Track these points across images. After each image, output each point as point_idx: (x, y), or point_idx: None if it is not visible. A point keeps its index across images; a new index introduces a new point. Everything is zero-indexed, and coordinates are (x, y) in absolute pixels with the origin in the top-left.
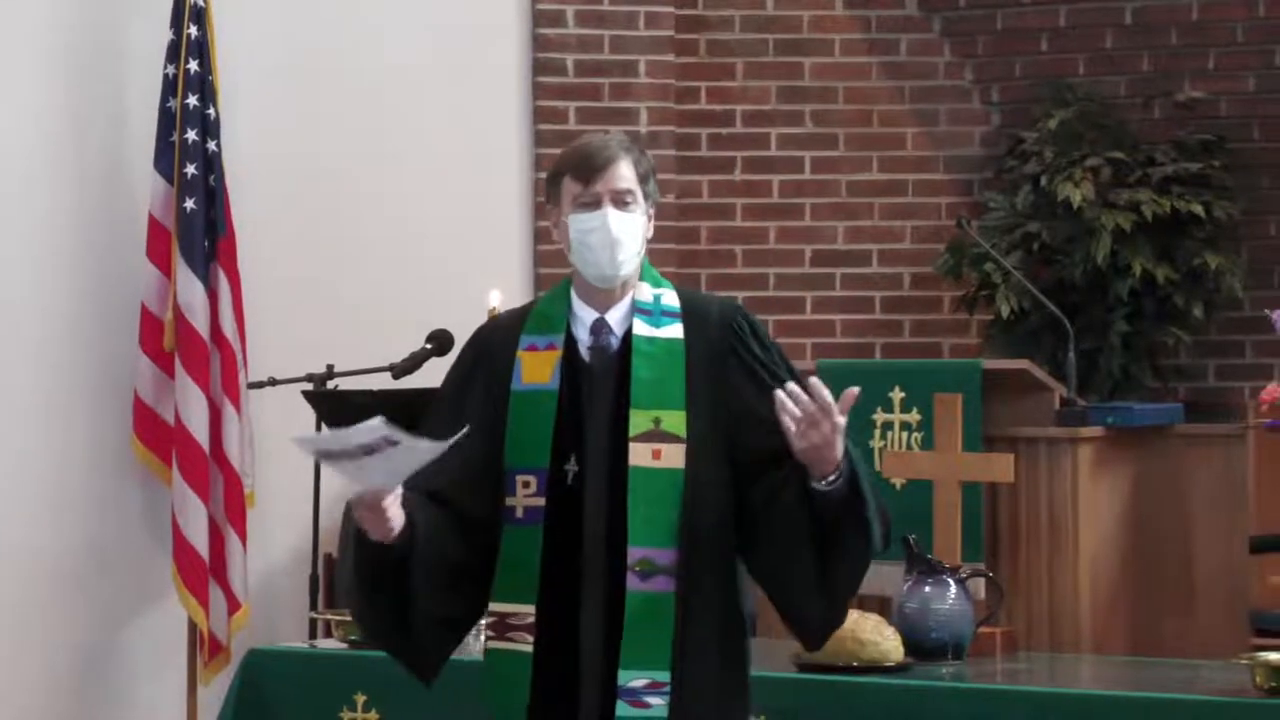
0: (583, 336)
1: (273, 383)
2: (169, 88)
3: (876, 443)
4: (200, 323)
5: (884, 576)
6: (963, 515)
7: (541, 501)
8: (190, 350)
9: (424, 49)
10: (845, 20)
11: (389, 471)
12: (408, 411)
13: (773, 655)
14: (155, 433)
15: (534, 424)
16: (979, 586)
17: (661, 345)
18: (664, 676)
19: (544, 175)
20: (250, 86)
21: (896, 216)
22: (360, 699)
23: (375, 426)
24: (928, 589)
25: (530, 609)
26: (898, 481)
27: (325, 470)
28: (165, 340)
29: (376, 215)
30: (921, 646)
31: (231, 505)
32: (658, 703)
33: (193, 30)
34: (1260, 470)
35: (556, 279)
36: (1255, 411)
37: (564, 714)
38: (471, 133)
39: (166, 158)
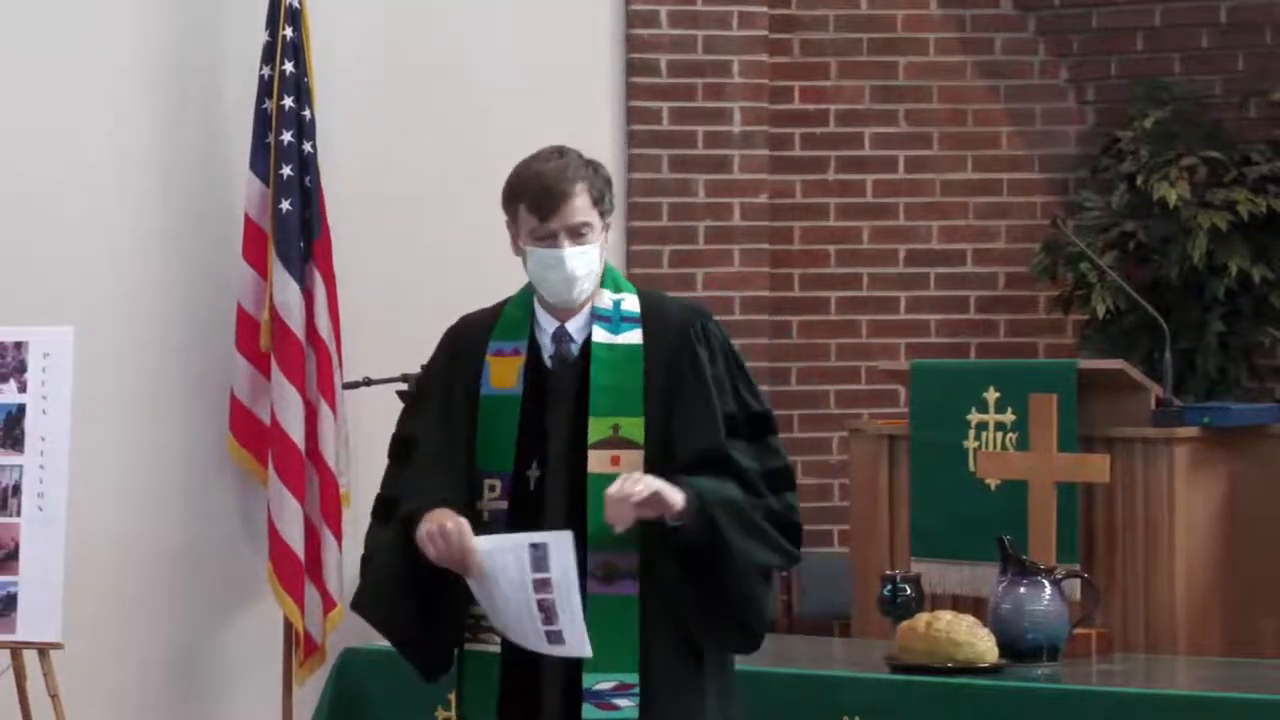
0: (546, 343)
1: (368, 383)
2: (265, 89)
3: (971, 443)
4: (296, 323)
5: (979, 577)
6: (1058, 516)
7: (505, 505)
8: (286, 350)
9: (517, 50)
10: (939, 19)
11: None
12: None
13: (865, 655)
14: (251, 433)
15: (499, 428)
16: (1074, 588)
17: (621, 351)
18: (632, 678)
19: (638, 176)
20: (345, 88)
21: (991, 216)
22: (454, 697)
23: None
24: (1023, 590)
25: None
26: (992, 482)
27: None
28: (261, 341)
29: (469, 215)
30: (1016, 648)
31: (327, 505)
32: (626, 704)
33: (288, 32)
34: None
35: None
36: None
37: (528, 716)
38: (565, 134)
39: (262, 159)
